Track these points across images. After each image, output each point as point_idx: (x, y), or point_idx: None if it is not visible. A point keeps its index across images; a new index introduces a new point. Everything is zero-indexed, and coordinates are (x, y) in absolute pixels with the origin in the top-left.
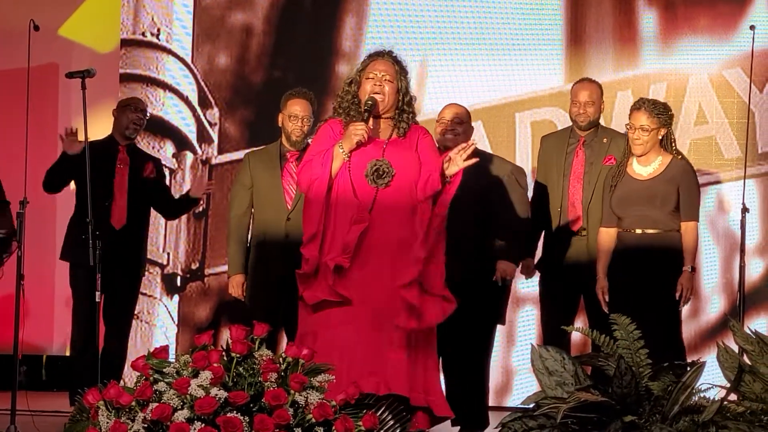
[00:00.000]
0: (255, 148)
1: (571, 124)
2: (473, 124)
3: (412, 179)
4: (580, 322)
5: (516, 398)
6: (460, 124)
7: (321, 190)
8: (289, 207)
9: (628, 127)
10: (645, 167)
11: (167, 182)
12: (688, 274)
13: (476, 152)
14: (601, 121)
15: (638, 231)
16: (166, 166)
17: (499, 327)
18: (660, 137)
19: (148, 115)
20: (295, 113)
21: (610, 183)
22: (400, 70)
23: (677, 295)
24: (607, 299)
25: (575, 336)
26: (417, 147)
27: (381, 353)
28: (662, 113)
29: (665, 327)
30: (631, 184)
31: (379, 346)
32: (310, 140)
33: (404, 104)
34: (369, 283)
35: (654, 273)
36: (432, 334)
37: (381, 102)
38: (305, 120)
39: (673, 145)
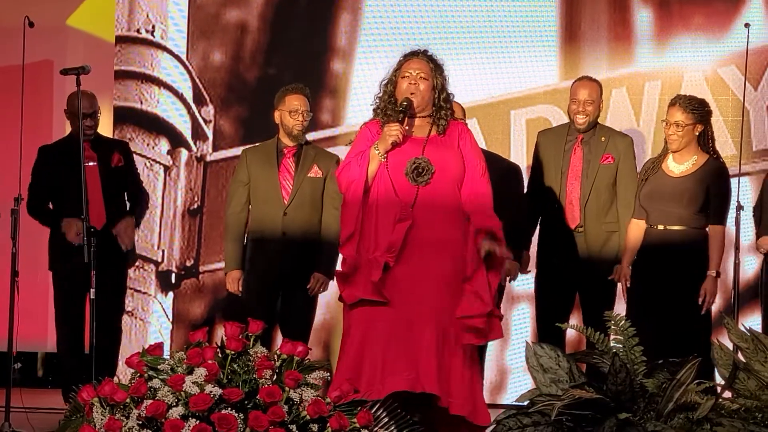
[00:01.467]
0: (252, 145)
1: (567, 120)
2: (468, 121)
3: (453, 177)
4: (575, 320)
5: (511, 396)
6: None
7: (358, 192)
8: (286, 202)
9: (664, 123)
10: (679, 165)
11: (136, 168)
12: (712, 279)
13: None
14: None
15: (660, 227)
16: (156, 161)
17: None
18: (697, 134)
19: (99, 114)
20: (295, 108)
21: (642, 176)
22: (434, 68)
23: (699, 299)
24: (628, 285)
25: (570, 333)
26: (458, 144)
27: (415, 352)
28: (697, 109)
29: (691, 324)
30: (662, 180)
31: (414, 344)
32: (308, 136)
33: (441, 101)
34: (411, 281)
35: (676, 270)
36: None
37: (416, 100)
38: (305, 114)
39: (712, 143)
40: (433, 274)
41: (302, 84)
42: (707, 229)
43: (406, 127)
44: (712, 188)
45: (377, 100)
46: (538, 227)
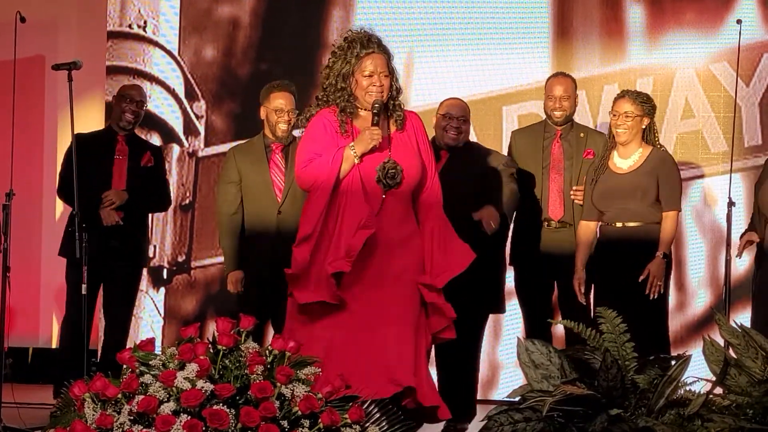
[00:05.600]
0: (238, 143)
1: (544, 118)
2: None
3: (415, 176)
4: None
5: (502, 392)
6: (465, 122)
7: (326, 193)
8: (279, 200)
9: (611, 115)
10: (625, 160)
11: (165, 172)
12: (659, 260)
13: (473, 145)
14: (576, 118)
15: (618, 224)
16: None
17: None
18: (643, 127)
19: (146, 105)
20: (279, 107)
21: (591, 177)
22: (388, 58)
23: (641, 278)
24: (583, 291)
25: (558, 327)
26: (416, 139)
27: (378, 354)
28: (645, 102)
29: (649, 320)
30: (612, 179)
31: (376, 346)
32: (295, 133)
33: (395, 91)
34: (370, 282)
35: (635, 266)
36: (421, 327)
37: (383, 97)
38: (290, 113)
39: (657, 136)
40: (395, 272)
41: (293, 81)
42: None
43: (367, 126)
44: (661, 176)
45: (331, 94)
46: (513, 222)
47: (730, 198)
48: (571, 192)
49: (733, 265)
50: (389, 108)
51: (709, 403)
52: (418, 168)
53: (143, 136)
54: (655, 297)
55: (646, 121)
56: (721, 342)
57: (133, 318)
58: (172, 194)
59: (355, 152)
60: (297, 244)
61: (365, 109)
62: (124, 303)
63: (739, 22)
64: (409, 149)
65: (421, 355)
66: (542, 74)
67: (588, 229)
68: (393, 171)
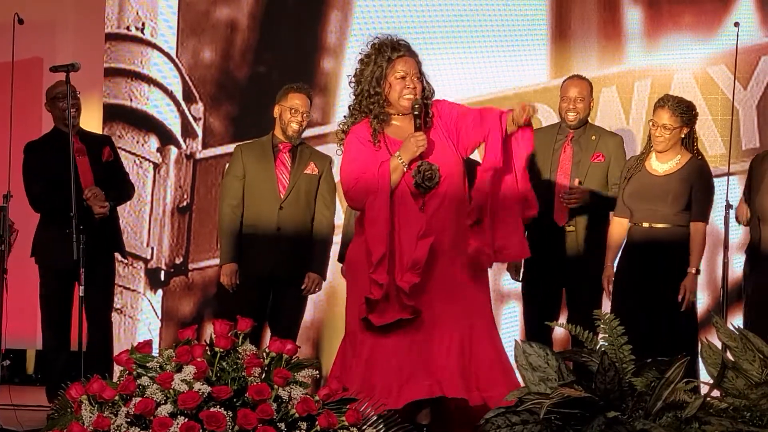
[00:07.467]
0: (246, 141)
1: (558, 120)
2: None
3: (455, 170)
4: (564, 317)
5: None
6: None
7: (383, 209)
8: (282, 196)
9: (651, 123)
10: (662, 164)
11: (122, 162)
12: (692, 276)
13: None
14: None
15: (645, 225)
16: (145, 158)
17: None
18: (682, 136)
19: (78, 93)
20: (295, 107)
21: (625, 175)
22: (418, 63)
23: (679, 297)
24: (611, 288)
25: (559, 331)
26: (444, 133)
27: (433, 356)
28: (685, 112)
29: (677, 321)
30: (646, 179)
31: (432, 348)
32: (305, 133)
33: (430, 95)
34: (424, 288)
35: (661, 267)
36: (492, 329)
37: (419, 99)
38: (305, 115)
39: (695, 144)
40: (445, 279)
41: (306, 84)
42: (690, 227)
43: (399, 125)
44: (695, 186)
45: (364, 101)
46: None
47: (727, 201)
48: (565, 193)
49: (731, 268)
50: (427, 109)
51: (707, 406)
52: (456, 163)
53: (141, 138)
54: (689, 309)
55: (685, 130)
56: (719, 345)
57: (129, 320)
58: (170, 196)
59: (402, 161)
60: (374, 270)
61: (399, 114)
62: (103, 300)
63: (736, 25)
64: (441, 145)
65: (477, 361)
66: (540, 77)
67: (620, 226)
68: (429, 172)
